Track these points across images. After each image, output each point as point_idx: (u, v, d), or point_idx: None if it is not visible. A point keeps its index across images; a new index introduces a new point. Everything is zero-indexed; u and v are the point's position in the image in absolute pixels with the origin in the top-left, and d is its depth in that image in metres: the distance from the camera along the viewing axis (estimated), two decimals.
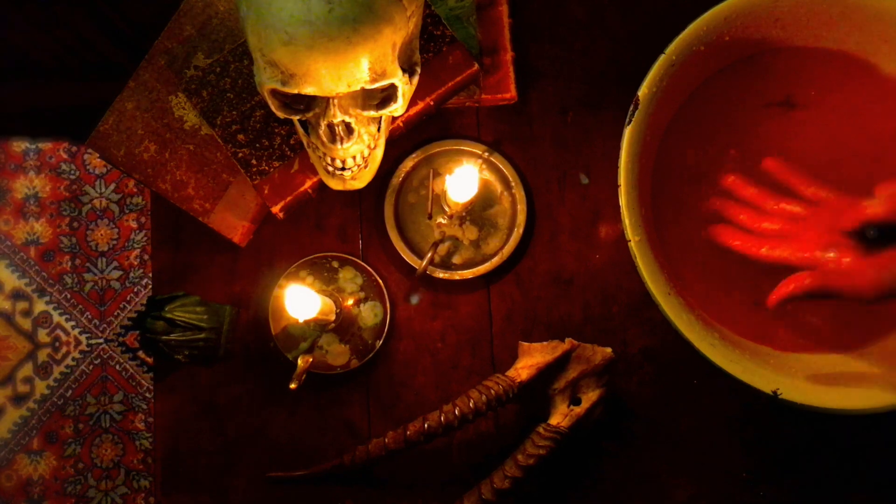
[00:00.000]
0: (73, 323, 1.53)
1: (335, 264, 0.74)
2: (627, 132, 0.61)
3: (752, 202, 0.62)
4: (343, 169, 0.66)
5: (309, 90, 0.58)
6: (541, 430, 0.68)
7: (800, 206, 0.61)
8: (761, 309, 0.66)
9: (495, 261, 0.73)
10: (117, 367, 1.53)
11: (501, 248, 0.73)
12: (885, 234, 0.55)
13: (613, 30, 0.77)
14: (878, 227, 0.56)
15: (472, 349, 0.74)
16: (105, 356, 1.53)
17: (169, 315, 0.68)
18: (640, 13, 0.77)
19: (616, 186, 0.60)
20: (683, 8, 0.64)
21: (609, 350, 0.69)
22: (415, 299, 0.74)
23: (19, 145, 1.57)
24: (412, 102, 0.71)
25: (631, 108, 0.61)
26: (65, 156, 1.57)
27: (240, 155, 0.71)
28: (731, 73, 0.67)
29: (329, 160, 0.65)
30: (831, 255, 0.56)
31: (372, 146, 0.66)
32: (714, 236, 0.63)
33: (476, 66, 0.72)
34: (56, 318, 1.54)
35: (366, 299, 0.74)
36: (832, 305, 0.66)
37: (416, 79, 0.65)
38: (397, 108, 0.64)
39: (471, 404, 0.67)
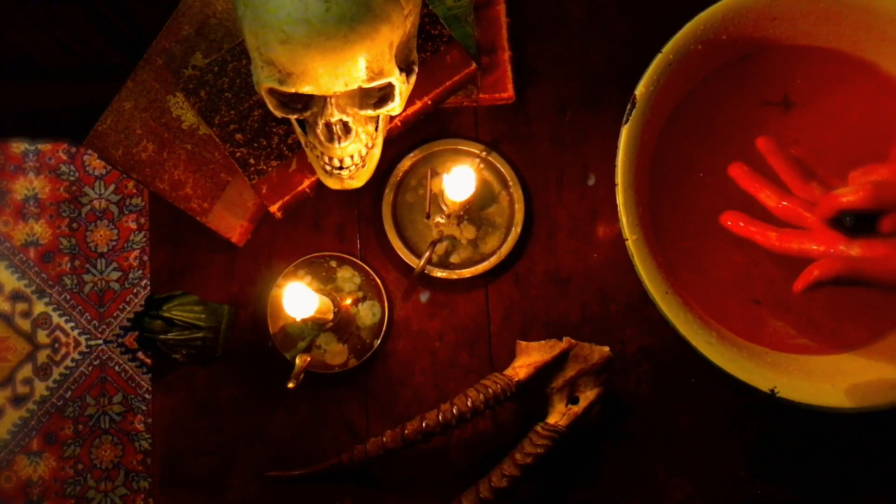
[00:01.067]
0: (72, 324, 1.54)
1: (333, 264, 0.74)
2: (625, 131, 0.61)
3: (782, 174, 0.59)
4: (341, 168, 0.66)
5: (306, 89, 0.58)
6: (539, 429, 0.68)
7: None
8: (759, 308, 0.66)
9: (493, 260, 0.73)
10: (116, 368, 1.53)
11: (499, 247, 0.73)
12: (862, 220, 0.55)
13: (612, 29, 0.77)
14: (854, 215, 0.55)
15: (470, 348, 0.74)
16: (104, 357, 1.53)
17: (167, 314, 0.68)
18: (638, 13, 0.77)
19: (614, 185, 0.61)
20: (681, 7, 0.64)
21: (607, 349, 0.69)
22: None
23: (19, 146, 1.58)
24: (410, 102, 0.71)
25: (628, 108, 0.61)
26: (64, 157, 1.57)
27: (238, 154, 0.71)
28: (729, 72, 0.67)
29: (327, 159, 0.65)
30: (856, 249, 0.54)
31: (370, 145, 0.66)
32: (728, 222, 0.59)
33: (474, 65, 0.72)
34: (55, 319, 1.54)
35: (364, 299, 0.74)
36: (832, 304, 0.66)
37: (413, 78, 0.65)
38: (395, 107, 0.64)
39: (469, 403, 0.67)
